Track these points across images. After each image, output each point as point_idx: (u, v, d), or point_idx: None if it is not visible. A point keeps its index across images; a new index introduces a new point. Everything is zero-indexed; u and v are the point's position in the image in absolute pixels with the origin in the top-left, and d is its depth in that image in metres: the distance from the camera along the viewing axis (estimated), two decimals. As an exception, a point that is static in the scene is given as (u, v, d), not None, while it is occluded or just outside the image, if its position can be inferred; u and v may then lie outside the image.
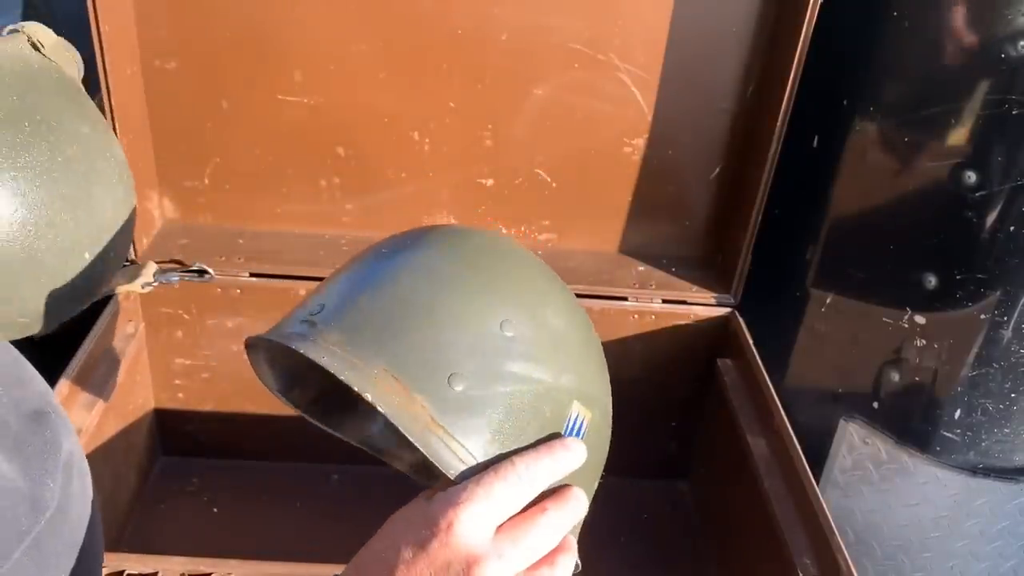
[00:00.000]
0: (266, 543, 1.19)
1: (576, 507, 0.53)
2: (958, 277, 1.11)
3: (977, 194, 1.07)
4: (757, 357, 1.20)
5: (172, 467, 1.38)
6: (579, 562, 0.55)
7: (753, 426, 1.14)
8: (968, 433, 1.18)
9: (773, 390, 1.13)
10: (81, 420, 1.05)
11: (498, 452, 0.51)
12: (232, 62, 1.19)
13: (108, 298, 1.18)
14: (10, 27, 0.60)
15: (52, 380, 1.04)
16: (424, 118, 1.24)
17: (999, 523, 1.21)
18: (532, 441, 0.52)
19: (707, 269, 1.35)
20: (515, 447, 0.51)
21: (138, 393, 1.28)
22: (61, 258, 0.55)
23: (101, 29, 1.07)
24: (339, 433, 0.67)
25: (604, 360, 0.60)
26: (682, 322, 1.30)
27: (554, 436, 0.53)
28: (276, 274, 1.25)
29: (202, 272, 1.22)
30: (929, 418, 1.19)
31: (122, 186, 0.60)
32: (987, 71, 1.03)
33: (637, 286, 1.31)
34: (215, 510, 1.32)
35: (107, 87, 1.11)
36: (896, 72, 1.13)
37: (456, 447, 0.49)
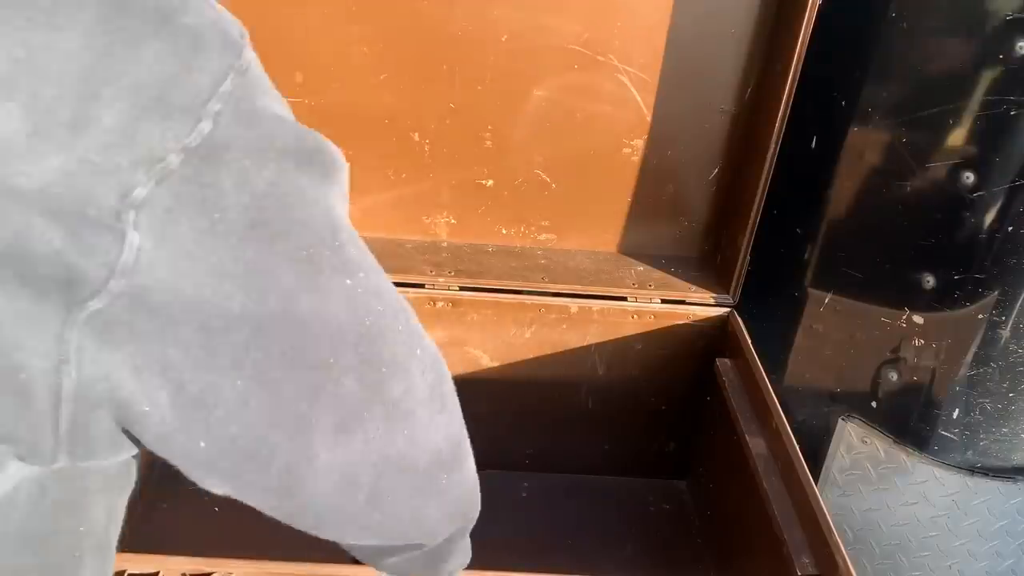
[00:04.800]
0: (266, 543, 1.19)
1: None
2: (956, 277, 1.11)
3: (975, 194, 1.07)
4: (756, 357, 1.20)
5: (172, 467, 1.38)
6: None
7: (752, 426, 1.14)
8: (966, 432, 1.18)
9: (772, 390, 1.14)
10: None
11: None
12: (232, 63, 1.19)
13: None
14: None
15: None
16: (424, 118, 1.24)
17: (997, 522, 1.22)
18: None
19: (706, 269, 1.35)
20: None
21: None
22: None
23: (102, 30, 1.07)
24: None
25: None
26: (681, 322, 1.31)
27: None
28: (276, 274, 1.25)
29: None
30: (927, 418, 1.19)
31: None
32: (986, 71, 1.03)
33: (637, 286, 1.31)
34: (215, 510, 1.32)
35: (108, 88, 1.11)
36: (895, 72, 1.13)
37: None
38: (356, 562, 0.70)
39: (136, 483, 0.57)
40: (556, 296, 1.29)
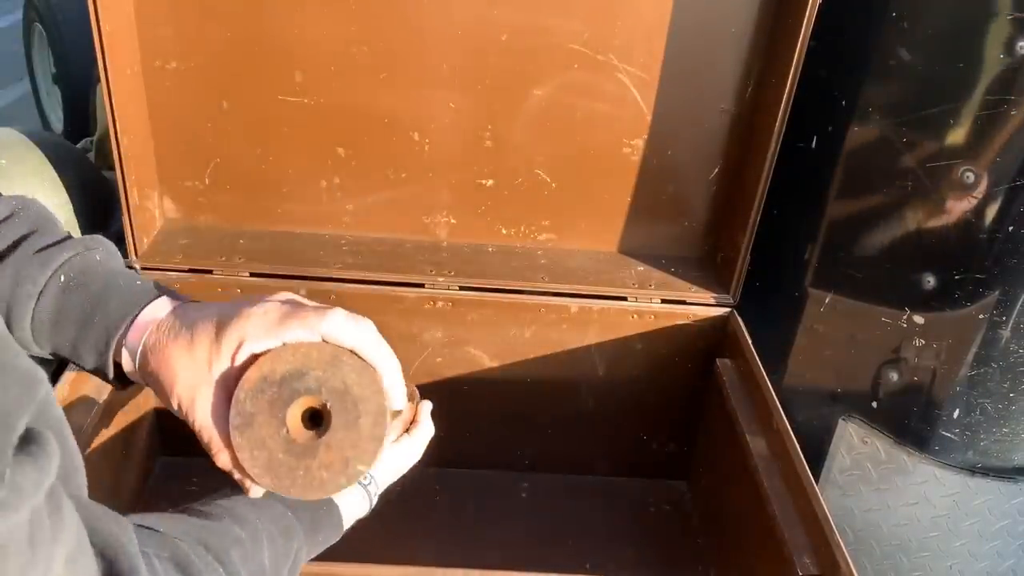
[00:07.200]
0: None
1: None
2: (957, 277, 1.11)
3: (976, 194, 1.07)
4: (756, 357, 1.20)
5: (172, 467, 1.38)
6: None
7: (752, 426, 1.14)
8: (967, 433, 1.18)
9: (772, 390, 1.13)
10: (81, 420, 1.05)
11: None
12: (232, 62, 1.19)
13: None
14: None
15: (53, 380, 1.04)
16: (424, 118, 1.24)
17: (997, 523, 1.22)
18: None
19: (706, 269, 1.35)
20: None
21: (138, 393, 1.28)
22: None
23: (102, 29, 1.07)
24: None
25: None
26: (681, 322, 1.31)
27: None
28: (276, 274, 1.25)
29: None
30: (928, 418, 1.19)
31: None
32: (987, 71, 1.03)
33: (637, 286, 1.31)
34: (215, 510, 1.32)
35: (108, 87, 1.11)
36: (896, 72, 1.13)
37: None
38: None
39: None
40: (556, 296, 1.28)
